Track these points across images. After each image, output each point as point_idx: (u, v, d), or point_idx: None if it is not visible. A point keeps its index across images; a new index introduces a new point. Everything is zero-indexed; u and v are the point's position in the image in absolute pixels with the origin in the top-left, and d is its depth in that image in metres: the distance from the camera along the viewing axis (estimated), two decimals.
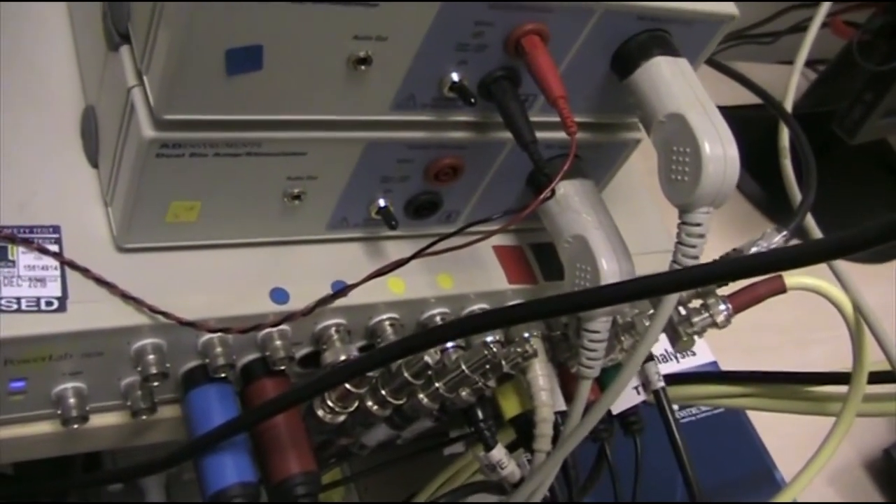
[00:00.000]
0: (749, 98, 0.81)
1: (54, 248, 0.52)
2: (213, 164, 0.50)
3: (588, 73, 0.54)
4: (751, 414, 0.94)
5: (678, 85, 0.52)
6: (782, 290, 0.61)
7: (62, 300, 0.50)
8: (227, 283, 0.55)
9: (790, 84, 0.78)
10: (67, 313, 0.50)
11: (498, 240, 0.63)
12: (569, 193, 0.58)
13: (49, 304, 0.50)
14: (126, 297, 0.51)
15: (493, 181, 0.59)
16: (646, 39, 0.53)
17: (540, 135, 0.53)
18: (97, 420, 0.56)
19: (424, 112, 0.52)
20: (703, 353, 0.95)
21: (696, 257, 0.52)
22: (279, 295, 0.55)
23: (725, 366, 0.96)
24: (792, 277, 0.61)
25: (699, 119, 0.51)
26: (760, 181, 1.15)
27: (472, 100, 0.50)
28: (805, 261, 0.39)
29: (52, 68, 0.58)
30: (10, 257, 0.51)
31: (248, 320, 0.53)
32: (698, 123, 0.51)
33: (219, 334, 0.53)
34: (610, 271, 0.55)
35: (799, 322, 1.01)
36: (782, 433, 0.89)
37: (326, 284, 0.56)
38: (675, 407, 0.88)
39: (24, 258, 0.51)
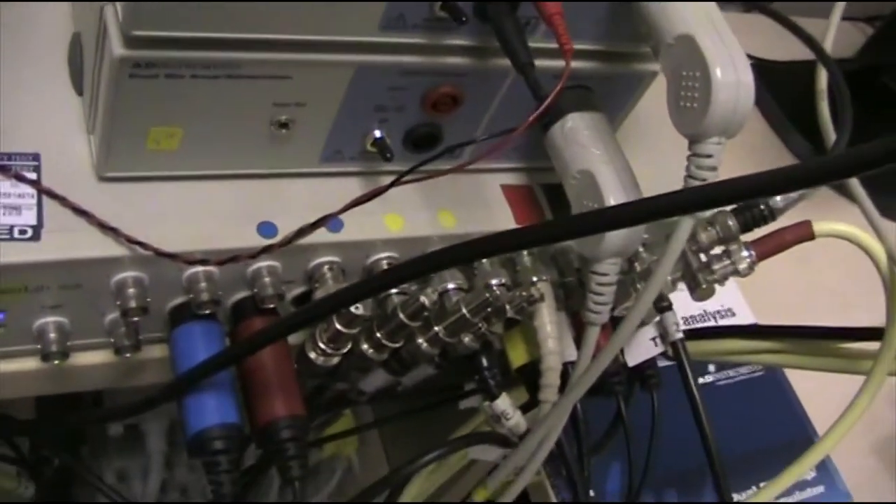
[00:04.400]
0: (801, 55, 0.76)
1: (32, 175, 0.50)
2: (192, 87, 0.48)
3: None
4: (792, 379, 0.90)
5: (690, 4, 0.48)
6: (810, 236, 0.57)
7: (37, 229, 0.48)
8: (213, 215, 0.52)
9: (829, 26, 0.73)
10: (41, 242, 0.48)
11: (507, 178, 0.60)
12: (577, 126, 0.54)
13: (23, 232, 0.48)
14: (103, 226, 0.49)
15: (499, 114, 0.56)
16: None
17: (545, 62, 0.50)
18: (83, 358, 0.55)
19: (416, 34, 0.49)
20: (742, 312, 0.91)
21: None
22: (267, 229, 0.52)
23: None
24: (821, 224, 0.57)
25: (711, 41, 0.47)
26: (810, 138, 1.10)
27: (464, 18, 0.47)
28: (818, 178, 0.35)
29: None
30: None
31: (232, 254, 0.51)
32: (709, 46, 0.47)
33: (203, 268, 0.51)
34: None
35: (848, 284, 0.96)
36: (825, 399, 0.85)
37: None
38: (711, 368, 0.85)
39: (0, 185, 0.49)
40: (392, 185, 0.49)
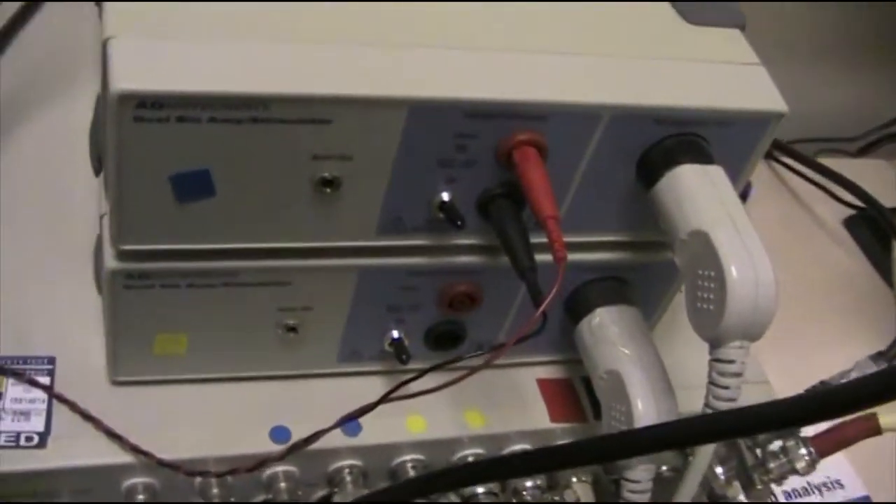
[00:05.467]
0: None
1: (45, 379, 0.50)
2: (190, 296, 0.47)
3: (613, 185, 0.48)
4: None
5: (705, 197, 0.45)
6: (876, 431, 0.52)
7: (43, 436, 0.48)
8: (225, 419, 0.51)
9: None
10: (46, 450, 0.48)
11: (543, 371, 0.57)
12: (605, 322, 0.51)
13: (29, 439, 0.48)
14: (110, 433, 0.49)
15: (525, 307, 0.53)
16: (671, 145, 0.46)
17: (576, 256, 0.48)
18: None
19: (418, 236, 0.47)
20: (852, 485, 0.83)
21: (731, 399, 0.44)
22: (280, 433, 0.51)
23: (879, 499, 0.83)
24: (887, 416, 0.51)
25: (726, 237, 0.43)
26: None
27: (459, 222, 0.45)
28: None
29: (78, 188, 0.57)
30: None
31: (242, 461, 0.49)
32: (724, 242, 0.43)
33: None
34: (645, 414, 0.48)
35: None
36: None
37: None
38: None
39: (13, 390, 0.50)
40: (379, 402, 0.46)
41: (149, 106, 0.39)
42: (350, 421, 0.46)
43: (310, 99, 0.41)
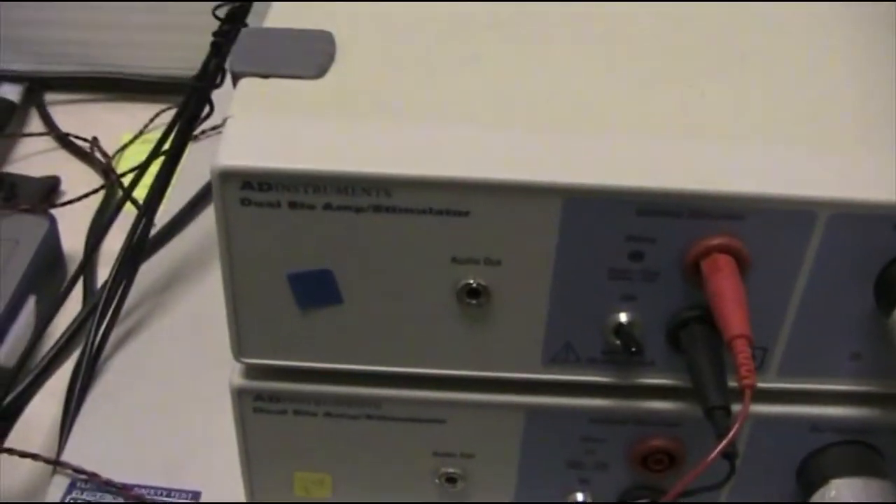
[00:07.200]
0: None
1: None
2: (329, 428, 0.41)
3: (846, 314, 0.37)
4: None
5: None
6: None
7: None
8: None
9: None
10: None
11: None
12: (841, 498, 0.39)
13: None
14: None
15: (745, 469, 0.42)
16: None
17: (801, 409, 0.39)
18: None
19: (595, 370, 0.38)
20: None
21: None
22: None
23: None
24: None
25: None
26: None
27: (634, 348, 0.36)
28: None
29: None
30: None
31: None
32: None
33: None
34: None
35: None
36: None
37: None
38: None
39: None
40: None
41: (256, 187, 0.34)
42: None
43: (436, 183, 0.34)
